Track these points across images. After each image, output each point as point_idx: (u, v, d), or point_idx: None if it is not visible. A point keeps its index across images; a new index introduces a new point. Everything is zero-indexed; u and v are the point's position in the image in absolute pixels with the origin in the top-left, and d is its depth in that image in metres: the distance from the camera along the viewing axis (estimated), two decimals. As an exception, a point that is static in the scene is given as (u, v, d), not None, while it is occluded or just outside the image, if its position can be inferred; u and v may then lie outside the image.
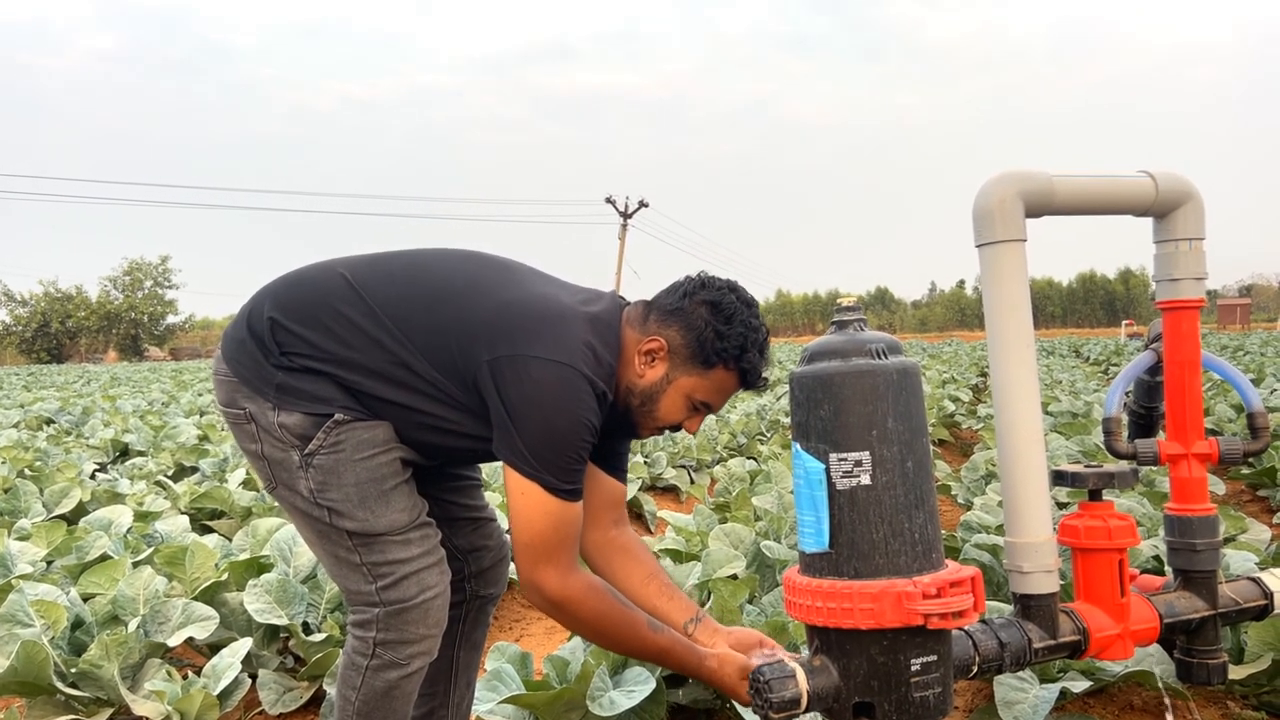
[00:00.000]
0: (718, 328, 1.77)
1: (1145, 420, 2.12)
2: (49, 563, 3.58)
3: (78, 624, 2.83)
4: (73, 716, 2.66)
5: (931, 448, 1.56)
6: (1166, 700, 2.52)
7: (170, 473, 6.33)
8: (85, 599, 2.99)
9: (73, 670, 2.62)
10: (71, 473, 5.78)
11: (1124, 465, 1.83)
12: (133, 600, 2.87)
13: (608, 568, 1.97)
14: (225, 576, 3.11)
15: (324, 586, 3.02)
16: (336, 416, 1.76)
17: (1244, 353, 19.63)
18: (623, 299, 1.92)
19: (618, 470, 2.00)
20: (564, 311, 1.77)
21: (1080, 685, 2.38)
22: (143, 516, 4.21)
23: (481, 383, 1.72)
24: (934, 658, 1.45)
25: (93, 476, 6.21)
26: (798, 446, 1.49)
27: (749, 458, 7.02)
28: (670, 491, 6.55)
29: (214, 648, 2.88)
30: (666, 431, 1.91)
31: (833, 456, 1.44)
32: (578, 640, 2.72)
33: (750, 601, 2.86)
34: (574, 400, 1.69)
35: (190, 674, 2.74)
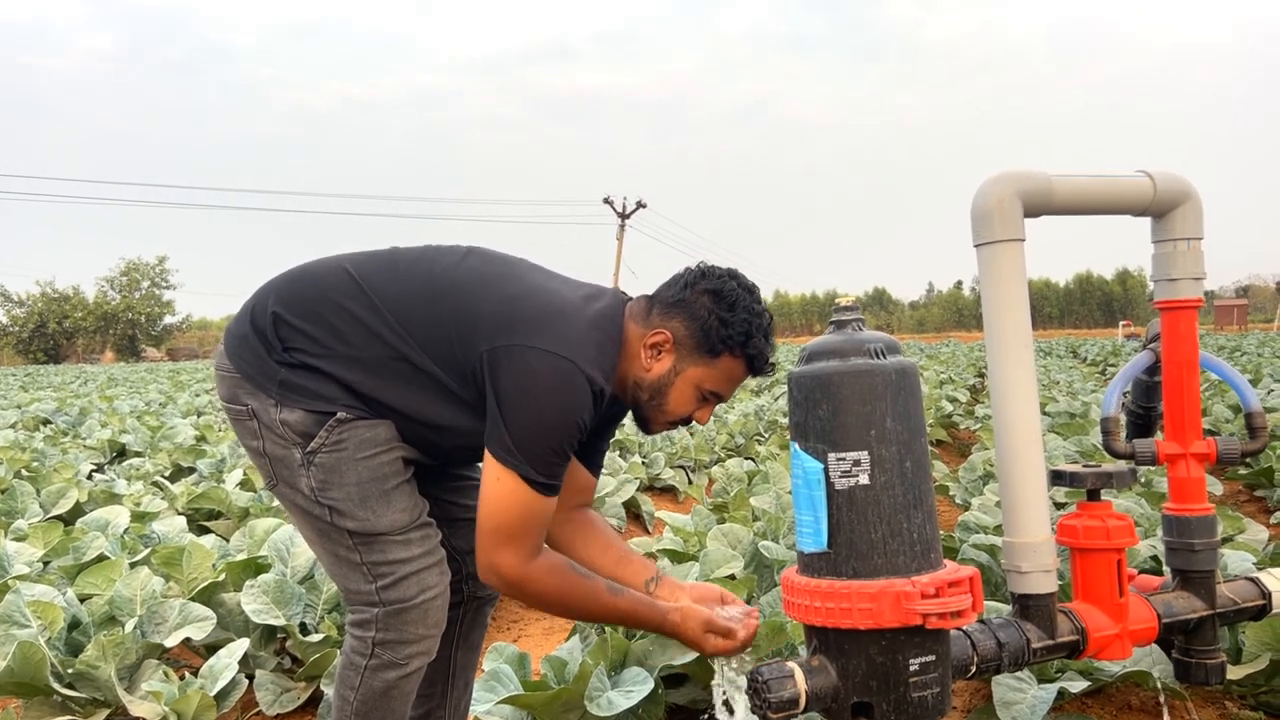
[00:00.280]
0: (721, 315, 1.77)
1: (1143, 420, 2.12)
2: (46, 563, 3.58)
3: (74, 624, 2.82)
4: (69, 717, 2.66)
5: (929, 448, 1.56)
6: (1162, 699, 2.51)
7: (167, 473, 6.32)
8: (82, 599, 2.98)
9: (69, 671, 2.62)
10: (68, 473, 5.77)
11: (1122, 465, 1.83)
12: (130, 601, 2.86)
13: (568, 541, 1.99)
14: (222, 577, 3.11)
15: (321, 587, 3.02)
16: (339, 415, 1.76)
17: (1241, 353, 19.65)
18: (625, 294, 1.91)
19: (593, 465, 2.03)
20: (567, 306, 1.77)
21: (1078, 685, 2.38)
22: (140, 517, 4.20)
23: (480, 373, 1.72)
24: (932, 658, 1.45)
25: (90, 477, 6.19)
26: (796, 446, 1.49)
27: (747, 458, 7.02)
28: (668, 492, 6.55)
29: (211, 648, 2.88)
30: (678, 425, 1.91)
31: (831, 456, 1.44)
32: (576, 640, 2.72)
33: (748, 601, 2.85)
34: (569, 395, 1.69)
35: (187, 675, 2.73)
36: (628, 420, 2.05)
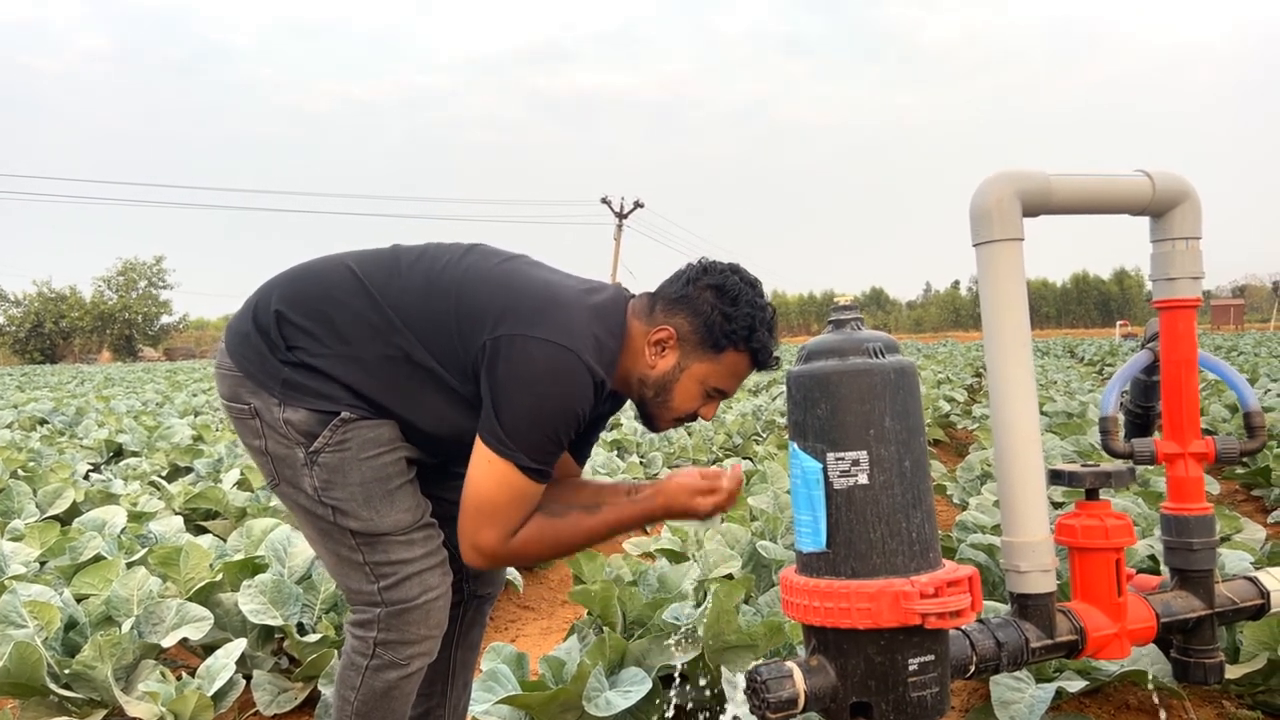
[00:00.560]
0: (724, 310, 1.77)
1: (1142, 420, 2.12)
2: (42, 563, 3.57)
3: (71, 625, 2.81)
4: (66, 718, 2.65)
5: (927, 448, 1.55)
6: (1155, 699, 2.52)
7: (164, 473, 6.31)
8: (79, 600, 2.98)
9: (66, 671, 2.61)
10: (65, 473, 5.76)
11: (1121, 465, 1.82)
12: (126, 601, 2.86)
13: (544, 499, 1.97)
14: (220, 577, 3.10)
15: (319, 587, 3.01)
16: (343, 414, 1.75)
17: (1238, 353, 19.68)
18: (626, 290, 1.91)
19: (581, 456, 2.02)
20: (568, 298, 1.77)
21: (1076, 685, 2.38)
22: (137, 517, 4.19)
23: (480, 364, 1.72)
24: (931, 657, 1.45)
25: (86, 477, 6.19)
26: (794, 446, 1.49)
27: (745, 458, 7.02)
28: (666, 492, 6.54)
29: (208, 648, 2.87)
30: (684, 422, 1.90)
31: (830, 456, 1.44)
32: (574, 640, 2.72)
33: (746, 601, 2.85)
34: (569, 385, 1.68)
35: (184, 675, 2.73)
36: (626, 420, 2.05)
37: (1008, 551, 1.73)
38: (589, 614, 2.87)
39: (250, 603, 2.84)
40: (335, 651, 2.71)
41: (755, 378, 14.46)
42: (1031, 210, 1.73)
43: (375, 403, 1.78)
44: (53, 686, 2.59)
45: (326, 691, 2.64)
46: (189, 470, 6.33)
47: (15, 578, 3.19)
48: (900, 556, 1.42)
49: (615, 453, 6.63)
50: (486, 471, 1.70)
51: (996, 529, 3.53)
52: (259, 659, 2.94)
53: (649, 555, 4.02)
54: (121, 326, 69.50)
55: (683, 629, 2.53)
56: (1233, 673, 2.52)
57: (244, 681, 2.80)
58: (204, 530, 4.58)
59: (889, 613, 1.40)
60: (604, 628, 2.78)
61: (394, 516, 1.79)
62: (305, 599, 2.95)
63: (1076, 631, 1.73)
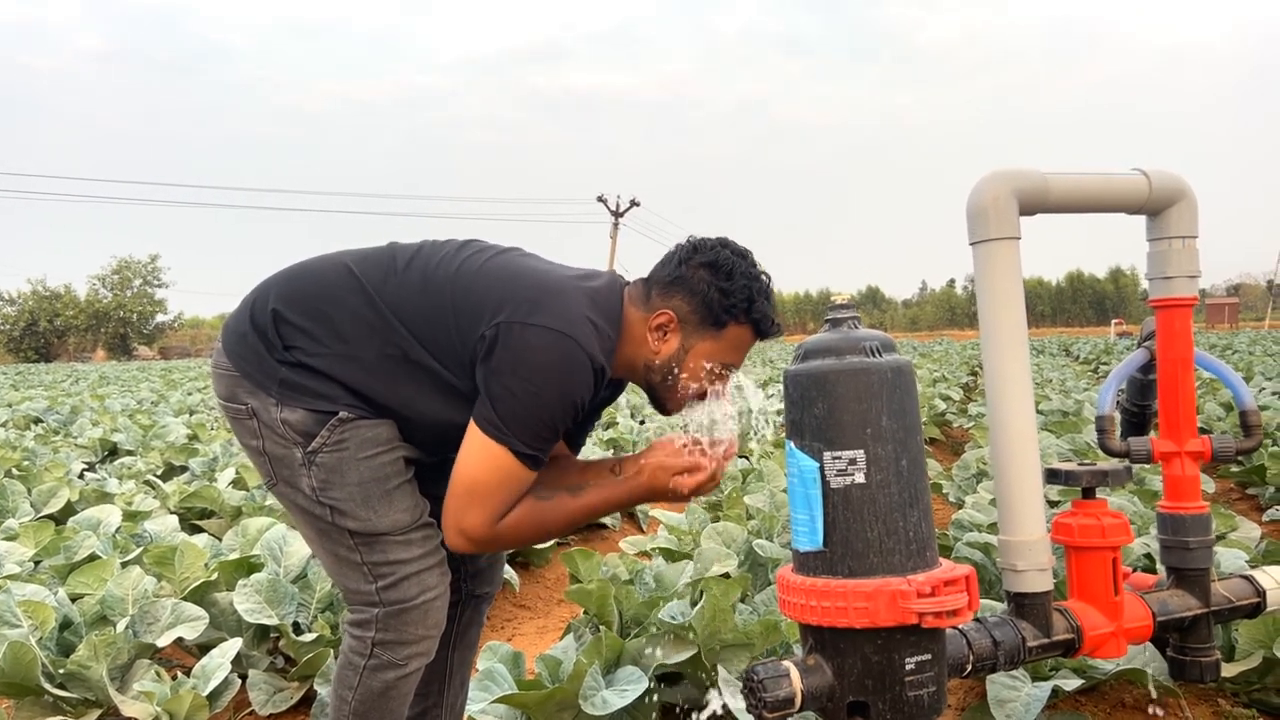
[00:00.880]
0: (721, 286, 1.76)
1: (1138, 418, 2.12)
2: (37, 563, 3.56)
3: (66, 624, 2.80)
4: (61, 718, 2.64)
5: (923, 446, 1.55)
6: (1153, 692, 2.52)
7: (159, 472, 6.30)
8: (73, 599, 2.97)
9: (61, 671, 2.60)
10: (59, 472, 5.75)
11: (1117, 463, 1.83)
12: (121, 600, 2.85)
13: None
14: (215, 576, 3.10)
15: (314, 586, 3.01)
16: (341, 414, 1.75)
17: (1232, 351, 19.72)
18: (621, 278, 1.90)
19: (575, 444, 2.01)
20: (563, 285, 1.76)
21: (1072, 683, 2.38)
22: (131, 516, 4.18)
23: (478, 355, 1.71)
24: (928, 656, 1.45)
25: (81, 476, 6.17)
26: (791, 445, 1.48)
27: (741, 456, 7.02)
28: (662, 490, 6.53)
29: (203, 648, 2.86)
30: (695, 402, 1.87)
31: (827, 455, 1.43)
32: (570, 639, 2.72)
33: (743, 600, 2.85)
34: (569, 373, 1.68)
35: (179, 674, 2.72)
36: (623, 419, 2.04)
37: (1004, 550, 1.73)
38: (585, 613, 2.86)
39: (246, 602, 2.83)
40: (331, 651, 2.70)
41: (753, 377, 14.45)
42: (1028, 209, 1.73)
43: (373, 402, 1.77)
44: (47, 686, 2.58)
45: (322, 691, 2.63)
46: (184, 469, 6.32)
47: (9, 577, 3.19)
48: (897, 555, 1.42)
49: (612, 452, 6.63)
50: (479, 455, 1.69)
51: (993, 527, 3.53)
52: (254, 658, 2.93)
53: (645, 554, 4.01)
54: (116, 325, 69.38)
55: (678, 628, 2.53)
56: (1228, 671, 2.52)
57: (239, 681, 2.79)
58: (199, 529, 4.57)
59: (886, 612, 1.39)
60: (600, 627, 2.77)
61: (392, 516, 1.79)
62: (301, 598, 2.95)
63: (1073, 630, 1.73)
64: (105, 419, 9.85)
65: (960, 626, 1.65)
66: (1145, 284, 1.93)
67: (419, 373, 1.76)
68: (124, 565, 3.15)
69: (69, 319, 68.13)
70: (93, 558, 3.40)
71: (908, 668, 1.43)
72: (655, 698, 2.44)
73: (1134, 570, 2.08)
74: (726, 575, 3.06)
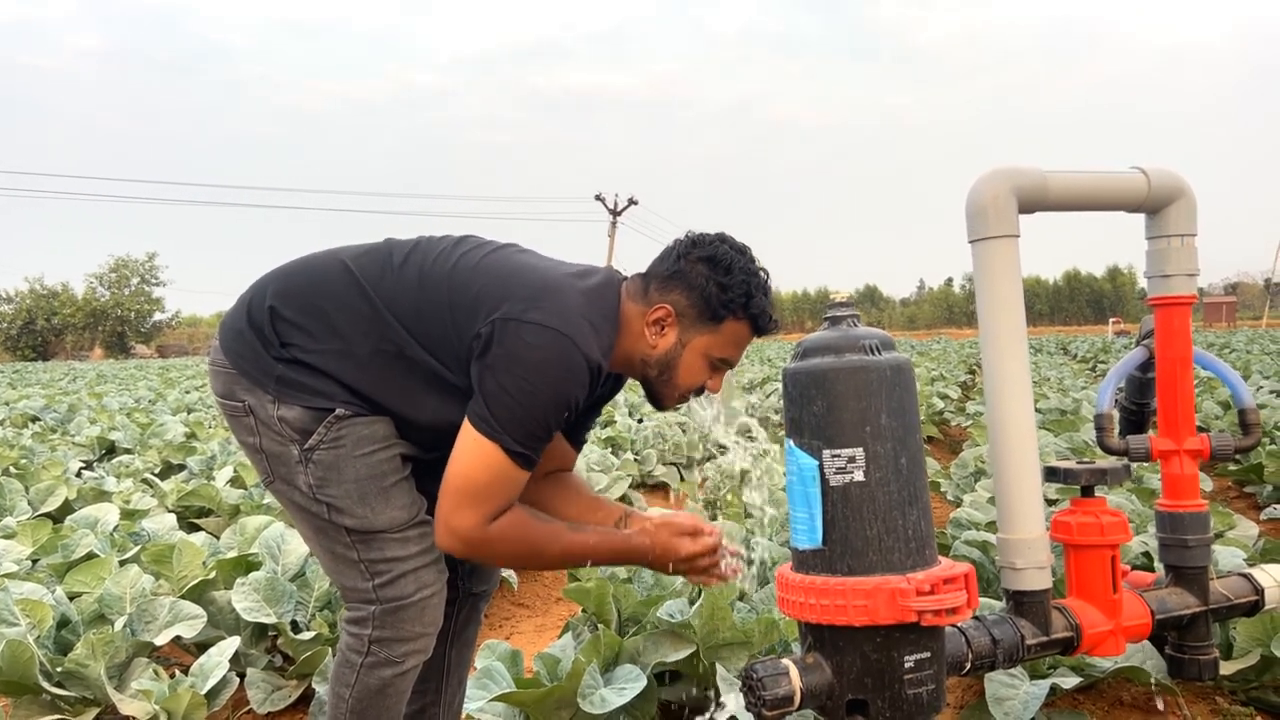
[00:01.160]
0: (719, 280, 1.76)
1: (1137, 416, 2.12)
2: (34, 561, 3.55)
3: (64, 623, 2.80)
4: (59, 716, 2.64)
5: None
6: (1153, 690, 2.52)
7: (157, 470, 6.29)
8: (71, 598, 2.96)
9: (59, 669, 2.60)
10: (57, 470, 5.74)
11: (1116, 461, 1.83)
12: (119, 599, 2.84)
13: (535, 494, 1.94)
14: (213, 575, 3.09)
15: (313, 585, 3.01)
16: (338, 411, 1.74)
17: (1230, 350, 19.74)
18: (619, 274, 1.90)
19: (576, 441, 2.01)
20: (560, 283, 1.76)
21: (1070, 681, 2.38)
22: (129, 514, 4.18)
23: (474, 351, 1.71)
24: (927, 655, 1.45)
25: (79, 474, 6.16)
26: (790, 443, 1.48)
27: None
28: (660, 489, 6.54)
29: (201, 646, 2.86)
30: (691, 397, 1.88)
31: (826, 453, 1.43)
32: (569, 638, 2.72)
33: (740, 598, 2.85)
34: (564, 372, 1.67)
35: (177, 673, 2.72)
36: (621, 417, 2.04)
37: (1003, 549, 1.73)
38: (584, 611, 2.86)
39: (244, 600, 2.83)
40: (329, 649, 2.70)
41: (751, 375, 14.46)
42: (1027, 207, 1.73)
43: (370, 399, 1.77)
44: (45, 685, 2.58)
45: (320, 689, 2.63)
46: (182, 468, 6.31)
47: (7, 576, 3.18)
48: (896, 553, 1.42)
49: (610, 450, 6.63)
50: (471, 452, 1.68)
51: (991, 526, 3.53)
52: (253, 657, 2.93)
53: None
54: (114, 323, 69.31)
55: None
56: (1226, 669, 2.53)
57: (237, 679, 2.79)
58: (197, 528, 4.56)
59: (885, 610, 1.39)
60: (599, 625, 2.77)
61: (389, 514, 1.79)
62: (299, 597, 2.94)
63: (1072, 628, 1.73)
64: (103, 417, 9.84)
65: (959, 624, 1.65)
66: (1143, 282, 1.93)
67: (416, 369, 1.76)
68: (122, 564, 3.15)
69: (66, 317, 68.05)
70: (90, 556, 3.40)
71: (907, 666, 1.43)
72: (657, 698, 2.44)
73: (1132, 568, 2.08)
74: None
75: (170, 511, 4.54)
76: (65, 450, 7.25)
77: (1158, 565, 1.97)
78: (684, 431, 7.37)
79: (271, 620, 2.81)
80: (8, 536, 3.83)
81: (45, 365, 45.06)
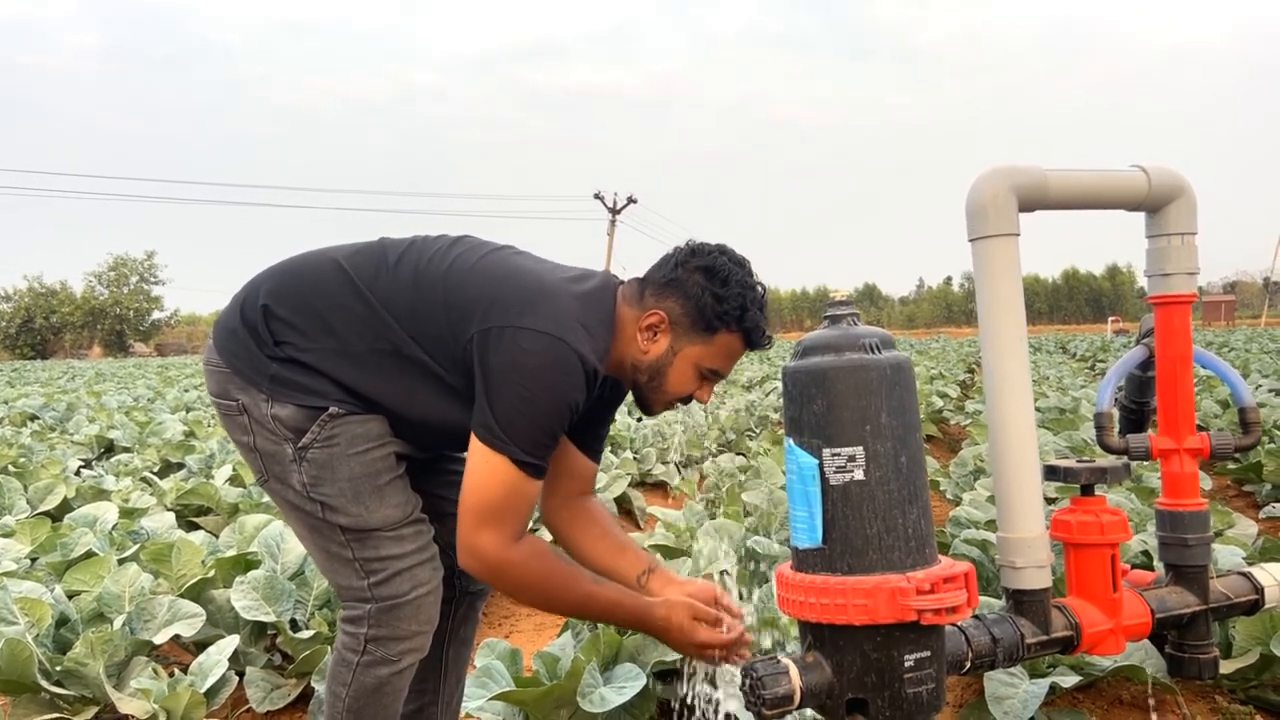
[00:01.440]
0: (715, 292, 1.75)
1: (1137, 415, 2.12)
2: (33, 560, 3.55)
3: (62, 621, 2.80)
4: (58, 715, 2.64)
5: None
6: (1151, 698, 2.52)
7: (156, 469, 6.29)
8: (70, 596, 2.96)
9: (57, 668, 2.59)
10: (56, 469, 5.73)
11: (1116, 460, 1.82)
12: (118, 597, 2.84)
13: (565, 528, 1.97)
14: (212, 573, 3.09)
15: (312, 583, 3.00)
16: (331, 410, 1.74)
17: (1229, 349, 19.74)
18: (616, 277, 1.90)
19: (593, 451, 2.00)
20: (555, 287, 1.75)
21: (1070, 680, 2.38)
22: (128, 513, 4.17)
23: (470, 356, 1.70)
24: (927, 653, 1.45)
25: (77, 473, 6.16)
26: (790, 442, 1.48)
27: (738, 453, 7.02)
28: (659, 488, 6.54)
29: (201, 645, 2.86)
30: (679, 405, 1.88)
31: (826, 451, 1.43)
32: (568, 636, 2.71)
33: (740, 597, 2.85)
34: (559, 374, 1.67)
35: (177, 672, 2.71)
36: (620, 416, 2.04)
37: (1003, 547, 1.73)
38: (583, 610, 2.86)
39: (243, 599, 2.83)
40: (328, 648, 2.70)
41: (750, 373, 14.46)
42: (1027, 205, 1.73)
43: (365, 397, 1.77)
44: (44, 684, 2.57)
45: (320, 688, 2.62)
46: (181, 466, 6.31)
47: (6, 574, 3.18)
48: (896, 552, 1.42)
49: (609, 448, 6.63)
50: (481, 470, 1.69)
51: (990, 524, 3.53)
52: (252, 655, 2.93)
53: (643, 551, 4.01)
54: (112, 322, 69.32)
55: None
56: (1225, 668, 2.53)
57: (237, 678, 2.79)
58: (196, 526, 4.56)
59: (885, 609, 1.39)
60: (598, 624, 2.77)
61: (383, 512, 1.78)
62: (298, 595, 2.94)
63: (1072, 627, 1.73)
64: (102, 416, 9.83)
65: (959, 623, 1.65)
66: (1142, 281, 1.93)
67: (410, 367, 1.76)
68: (121, 562, 3.15)
69: (65, 316, 68.07)
70: (89, 555, 3.40)
71: (907, 665, 1.43)
72: (656, 697, 2.44)
73: (1131, 567, 2.08)
74: (725, 573, 3.06)
75: (169, 510, 4.54)
76: (64, 449, 7.24)
77: (1157, 564, 1.97)
78: (683, 430, 7.37)
79: (270, 619, 2.80)
80: (6, 535, 3.83)
81: (44, 364, 45.05)
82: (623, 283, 1.87)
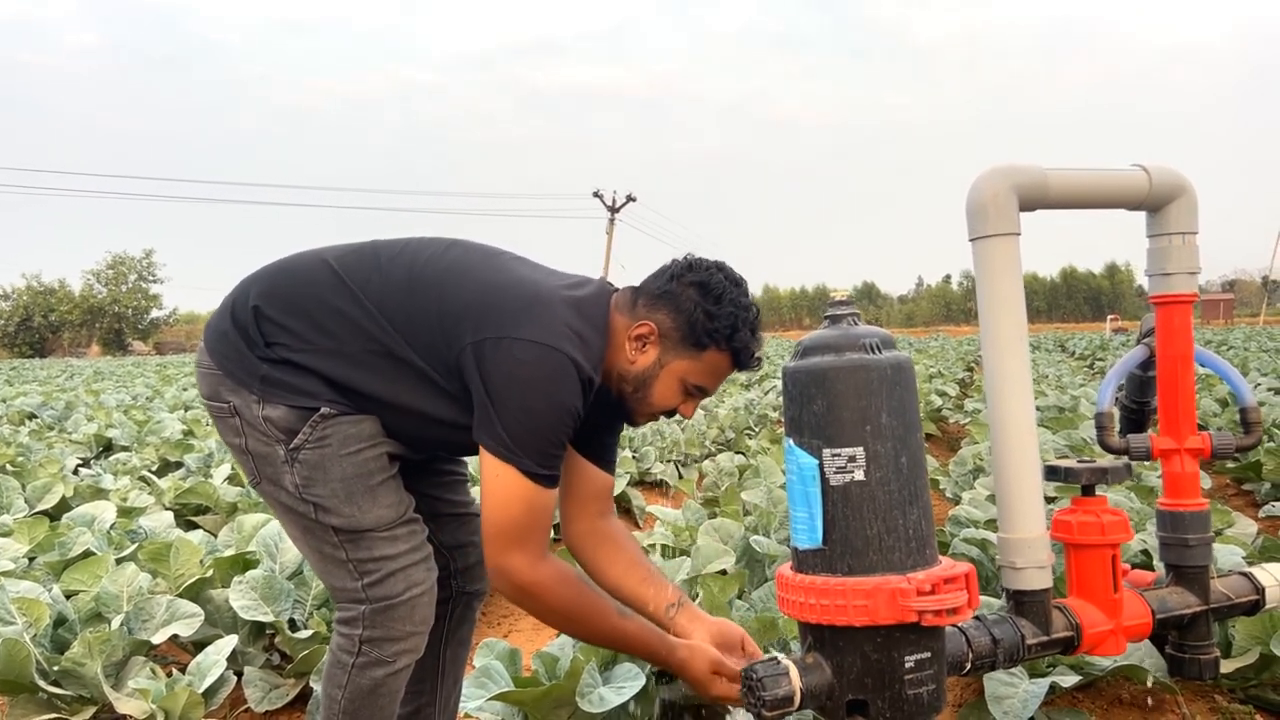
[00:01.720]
0: (707, 308, 1.74)
1: (1138, 415, 2.12)
2: (31, 559, 3.54)
3: (60, 621, 2.79)
4: (56, 715, 2.63)
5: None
6: (1154, 686, 2.52)
7: (154, 468, 6.28)
8: (68, 596, 2.95)
9: (55, 668, 2.59)
10: (54, 468, 5.72)
11: (1117, 460, 1.82)
12: (116, 597, 2.84)
13: (592, 557, 1.95)
14: (210, 573, 3.08)
15: (310, 583, 3.00)
16: (323, 410, 1.73)
17: (1228, 347, 19.75)
18: (610, 284, 1.89)
19: (606, 462, 1.98)
20: (549, 295, 1.74)
21: (1069, 680, 2.37)
22: (126, 512, 4.16)
23: (464, 365, 1.69)
24: (928, 655, 1.44)
25: (75, 472, 6.15)
26: (790, 442, 1.48)
27: (737, 452, 7.02)
28: (658, 486, 6.54)
29: (199, 645, 2.85)
30: (662, 417, 1.89)
31: (826, 452, 1.43)
32: (567, 636, 2.71)
33: (739, 597, 2.85)
34: (558, 384, 1.66)
35: (175, 672, 2.71)
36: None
37: (1004, 548, 1.72)
38: (582, 610, 2.85)
39: (241, 599, 2.82)
40: (327, 648, 2.69)
41: (750, 374, 14.43)
42: (1028, 205, 1.72)
43: (358, 397, 1.76)
44: (42, 684, 2.57)
45: (318, 688, 2.61)
46: (179, 465, 6.30)
47: (4, 574, 3.17)
48: (897, 553, 1.41)
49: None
50: (495, 487, 1.68)
51: (989, 524, 3.53)
52: (250, 655, 2.92)
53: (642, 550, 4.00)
54: (111, 320, 69.28)
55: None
56: (1225, 667, 2.52)
57: (235, 678, 2.78)
58: (194, 526, 4.55)
59: (886, 610, 1.39)
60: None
61: (376, 512, 1.78)
62: (297, 595, 2.93)
63: (1072, 628, 1.73)
64: (100, 414, 9.82)
65: (959, 624, 1.64)
66: (1141, 279, 1.93)
67: (404, 369, 1.75)
68: (119, 562, 3.14)
69: (64, 314, 68.05)
70: (87, 554, 3.39)
71: (907, 666, 1.43)
72: (656, 697, 2.44)
73: (1131, 567, 2.07)
74: (723, 572, 3.05)
75: (167, 509, 4.53)
76: (62, 448, 7.23)
77: (1157, 564, 1.97)
78: (682, 429, 7.37)
79: (269, 619, 2.80)
80: (4, 534, 3.82)
81: (42, 362, 45.04)
82: (617, 290, 1.86)
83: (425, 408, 1.77)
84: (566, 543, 1.97)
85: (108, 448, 7.73)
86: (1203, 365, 1.96)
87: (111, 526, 3.83)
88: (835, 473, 1.42)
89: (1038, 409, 8.02)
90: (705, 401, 1.95)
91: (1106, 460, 1.82)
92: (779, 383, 1.62)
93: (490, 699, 2.30)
